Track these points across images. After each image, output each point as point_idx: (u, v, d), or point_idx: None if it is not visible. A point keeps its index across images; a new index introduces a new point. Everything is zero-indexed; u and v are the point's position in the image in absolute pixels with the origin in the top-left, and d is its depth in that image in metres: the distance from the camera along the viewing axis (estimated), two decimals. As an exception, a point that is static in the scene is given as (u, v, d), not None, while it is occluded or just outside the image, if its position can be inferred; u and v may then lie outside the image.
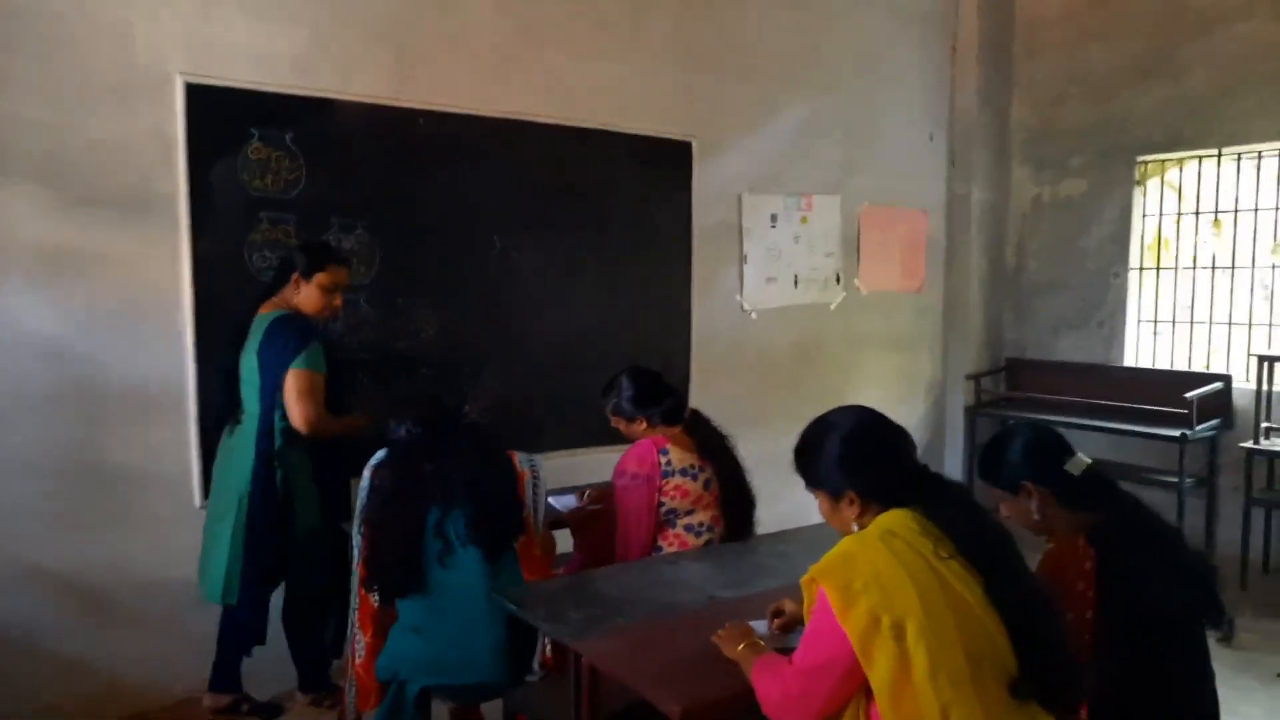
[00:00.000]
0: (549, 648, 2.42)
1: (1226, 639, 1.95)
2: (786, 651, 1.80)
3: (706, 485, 2.77)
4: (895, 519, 1.65)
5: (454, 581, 2.37)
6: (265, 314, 3.01)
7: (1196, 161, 5.07)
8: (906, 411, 5.67)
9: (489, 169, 3.88)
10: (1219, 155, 4.95)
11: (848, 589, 1.55)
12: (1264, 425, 4.53)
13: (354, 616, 2.52)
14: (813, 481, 1.83)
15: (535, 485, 2.52)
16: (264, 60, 3.34)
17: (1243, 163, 4.91)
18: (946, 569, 1.56)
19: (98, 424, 3.15)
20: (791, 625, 2.05)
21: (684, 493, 2.73)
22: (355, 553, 2.50)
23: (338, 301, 3.09)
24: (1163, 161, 5.22)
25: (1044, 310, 5.74)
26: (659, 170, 4.41)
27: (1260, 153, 4.83)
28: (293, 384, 2.88)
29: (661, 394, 2.85)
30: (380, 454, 2.54)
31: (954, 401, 5.78)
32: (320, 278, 3.01)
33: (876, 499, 1.73)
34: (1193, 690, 1.91)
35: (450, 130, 3.76)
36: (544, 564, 2.53)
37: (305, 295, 3.02)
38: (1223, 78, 4.85)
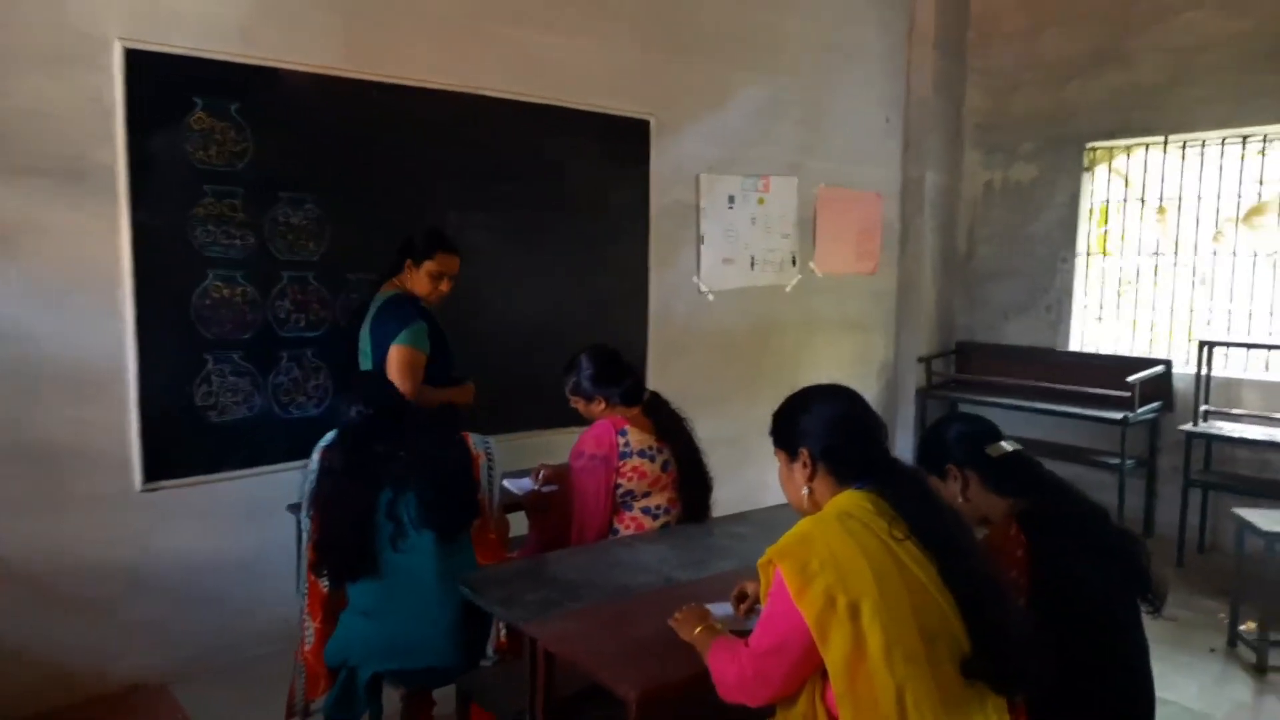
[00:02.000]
0: (503, 632, 2.40)
1: (1155, 612, 2.01)
2: (744, 634, 1.80)
3: (664, 467, 2.76)
4: (851, 500, 1.66)
5: (406, 565, 2.33)
6: (382, 294, 3.20)
7: (1144, 149, 5.17)
8: (862, 393, 5.72)
9: (443, 144, 3.81)
10: (1165, 143, 5.05)
11: (804, 569, 1.55)
12: (1203, 409, 4.65)
13: (303, 602, 2.47)
14: (778, 439, 1.84)
15: (490, 467, 2.48)
16: (208, 26, 3.22)
17: (1188, 151, 5.02)
18: (902, 550, 1.57)
19: (33, 402, 3.03)
20: (753, 609, 2.05)
21: (642, 474, 2.71)
22: (304, 538, 2.45)
23: (444, 287, 3.19)
24: (1110, 149, 5.31)
25: (994, 294, 5.83)
26: (616, 148, 4.37)
27: (1204, 141, 4.93)
28: (394, 359, 3.00)
29: (621, 374, 2.83)
30: (329, 435, 2.48)
31: (906, 383, 5.85)
32: (429, 265, 3.14)
33: (832, 466, 1.73)
34: (1129, 669, 1.96)
35: (403, 103, 3.67)
36: (499, 547, 2.50)
37: (415, 279, 3.17)
38: (1171, 67, 4.95)
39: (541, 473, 3.14)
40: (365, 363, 3.18)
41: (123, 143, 3.08)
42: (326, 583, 2.40)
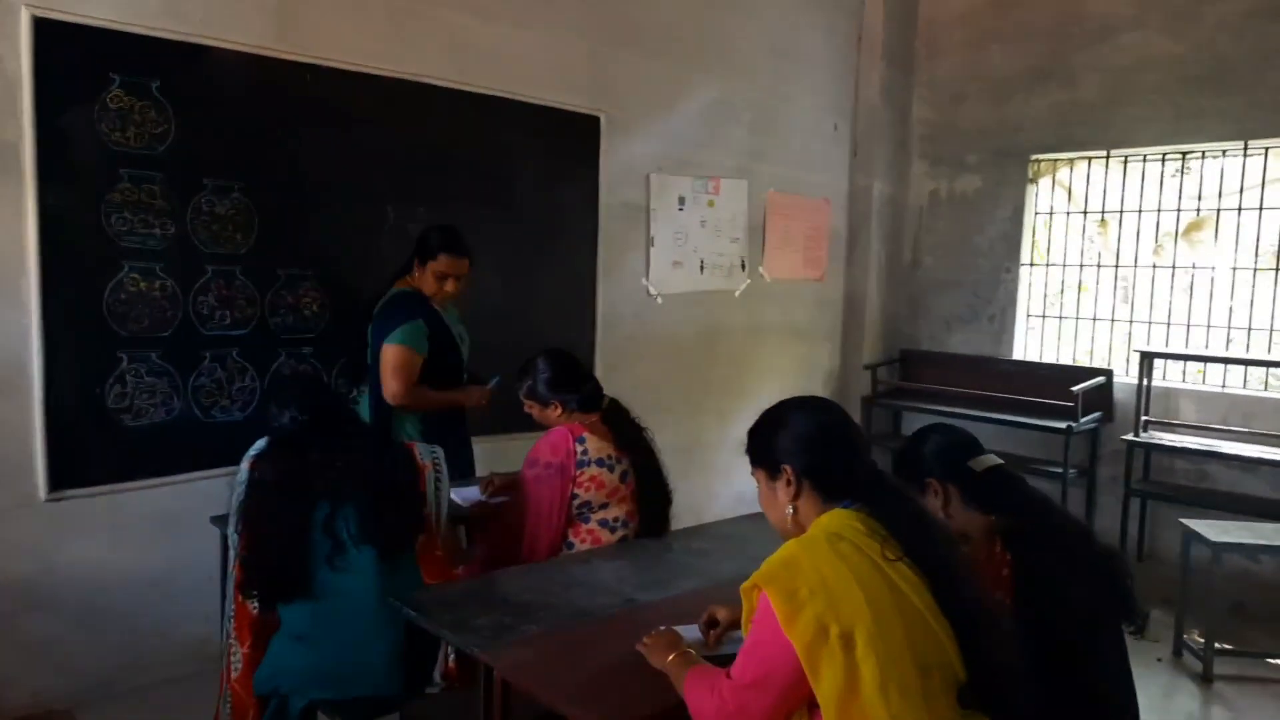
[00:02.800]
0: (451, 657, 2.22)
1: (1139, 632, 1.95)
2: (720, 661, 1.67)
3: (623, 478, 2.61)
4: (840, 520, 1.54)
5: (345, 585, 2.13)
6: (392, 290, 3.13)
7: (1086, 163, 5.23)
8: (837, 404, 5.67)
9: (382, 134, 3.60)
10: (1107, 157, 5.11)
11: (793, 596, 1.42)
12: (1144, 419, 4.71)
13: (229, 625, 2.24)
14: (756, 457, 1.71)
15: (438, 479, 2.30)
16: (127, -4, 2.96)
17: (1129, 166, 5.10)
18: (895, 572, 1.46)
19: (-81, 404, 2.74)
20: (725, 637, 1.92)
21: (599, 484, 2.56)
22: (231, 554, 2.23)
23: (450, 288, 3.08)
24: (1054, 161, 5.36)
25: (938, 304, 5.84)
26: (565, 145, 4.21)
27: (1145, 156, 5.01)
28: (386, 358, 2.95)
29: (580, 379, 2.67)
30: (259, 444, 2.27)
31: (851, 392, 5.82)
32: (434, 265, 3.04)
33: (817, 484, 1.61)
34: (1113, 691, 1.90)
35: (340, 88, 3.45)
36: (447, 566, 2.31)
37: (422, 278, 3.08)
38: (1112, 85, 5.01)
39: (492, 483, 2.96)
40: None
41: (29, 119, 2.81)
42: (256, 604, 2.18)
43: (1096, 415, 4.95)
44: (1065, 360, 5.40)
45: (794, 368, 5.57)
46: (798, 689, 1.44)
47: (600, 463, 2.57)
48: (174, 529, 3.17)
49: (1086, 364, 5.29)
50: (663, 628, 1.90)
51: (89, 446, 3.01)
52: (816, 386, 5.76)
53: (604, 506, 2.60)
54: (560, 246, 4.23)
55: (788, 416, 1.68)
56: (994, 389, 5.31)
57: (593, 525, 2.60)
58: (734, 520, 2.93)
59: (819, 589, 1.42)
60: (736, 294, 5.12)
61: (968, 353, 5.65)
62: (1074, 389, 4.78)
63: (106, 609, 3.08)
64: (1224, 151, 4.72)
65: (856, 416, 5.77)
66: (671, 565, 2.43)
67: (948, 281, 5.78)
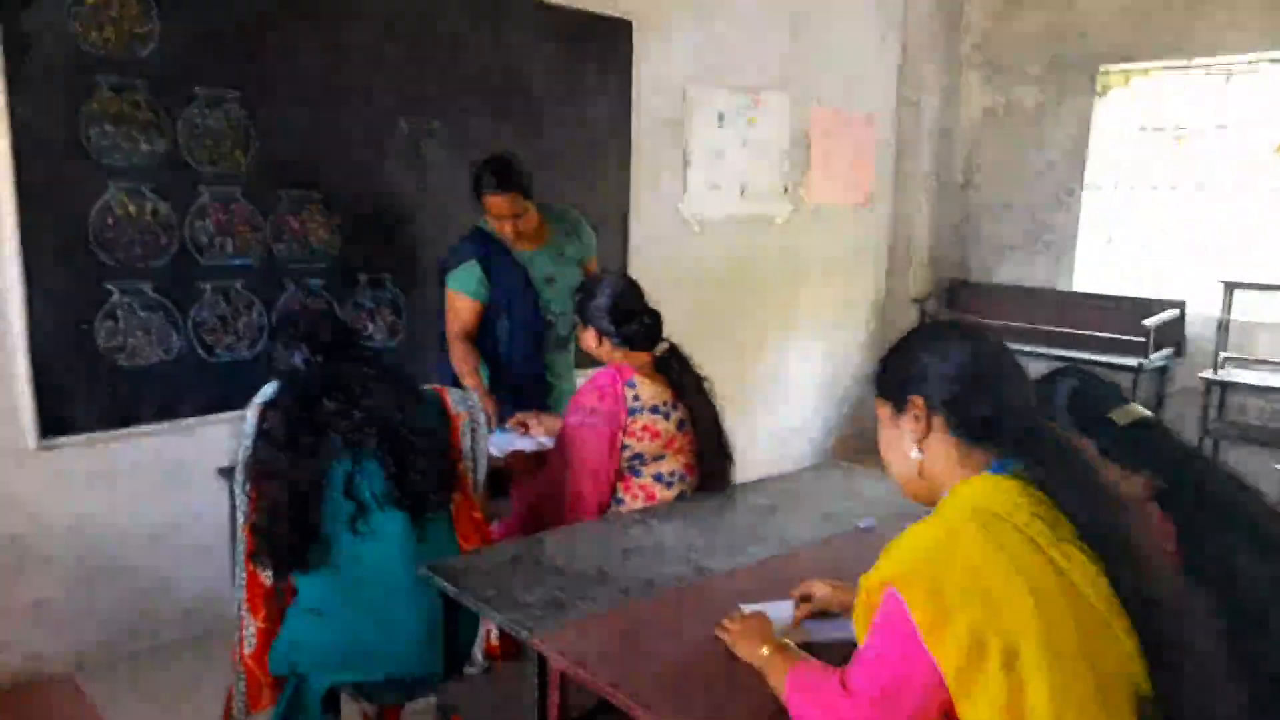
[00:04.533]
0: (494, 633, 1.93)
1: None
2: (820, 650, 1.37)
3: (680, 426, 2.30)
4: (993, 491, 1.20)
5: (369, 552, 1.84)
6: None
7: (1163, 72, 4.77)
8: (849, 336, 5.34)
9: (393, 37, 3.20)
10: (1188, 66, 4.65)
11: (938, 599, 1.10)
12: (1223, 355, 4.35)
13: (241, 596, 1.96)
14: (881, 386, 1.38)
15: (474, 431, 1.99)
16: None
17: (1212, 76, 4.63)
18: (1066, 559, 1.13)
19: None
20: (816, 612, 1.62)
21: (654, 434, 2.25)
22: (240, 517, 1.93)
23: (508, 229, 2.74)
24: (1126, 72, 4.89)
25: (991, 230, 5.43)
26: (595, 52, 3.80)
27: (1232, 66, 4.54)
28: (447, 300, 2.82)
29: (632, 312, 2.33)
30: (267, 389, 1.96)
31: (896, 327, 5.46)
32: (484, 204, 2.73)
33: (954, 422, 1.27)
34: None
35: (346, -16, 3.05)
36: (486, 530, 2.02)
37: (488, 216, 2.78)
38: (1196, -18, 4.52)
39: (528, 424, 2.66)
40: None
41: (-11, 15, 2.44)
42: (269, 574, 1.89)
43: (1167, 351, 4.59)
44: (1130, 292, 5.00)
45: (838, 301, 5.21)
46: (937, 710, 1.13)
47: (655, 410, 2.25)
48: (176, 479, 2.90)
49: (1154, 296, 4.89)
50: (746, 608, 1.60)
51: (80, 390, 2.72)
52: (861, 321, 5.41)
53: (658, 459, 2.29)
54: (590, 167, 3.85)
55: (926, 340, 1.34)
56: (1053, 323, 4.94)
57: (645, 480, 2.29)
58: (795, 474, 2.62)
59: (973, 591, 1.10)
60: (778, 220, 4.73)
61: (1023, 283, 5.26)
62: (1146, 322, 4.41)
63: (105, 566, 2.82)
64: (1323, 58, 4.26)
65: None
66: (737, 527, 2.13)
67: (1002, 205, 5.36)
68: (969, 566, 1.11)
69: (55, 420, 2.69)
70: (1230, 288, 4.33)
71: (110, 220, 2.69)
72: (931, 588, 1.11)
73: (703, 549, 1.97)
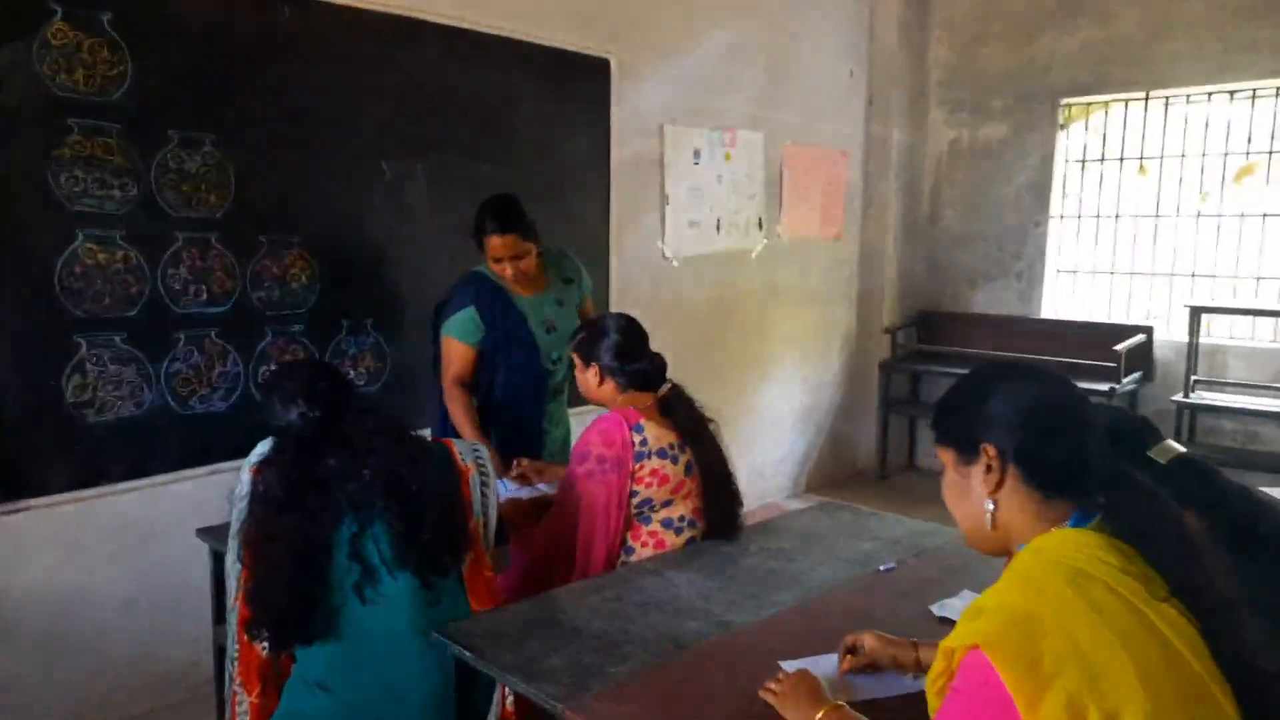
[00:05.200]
0: (509, 699, 1.83)
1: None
2: (865, 708, 1.31)
3: (688, 470, 2.23)
4: (1076, 546, 1.14)
5: (377, 620, 1.73)
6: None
7: (1123, 105, 4.89)
8: (824, 367, 5.34)
9: (375, 78, 3.13)
10: (1146, 98, 4.78)
11: (1035, 666, 1.03)
12: (1194, 379, 4.43)
13: (233, 669, 1.84)
14: (945, 433, 1.29)
15: (484, 484, 1.90)
16: (67, -92, 2.47)
17: (1170, 108, 4.76)
18: (1163, 620, 1.07)
19: None
20: (864, 666, 1.56)
21: (663, 479, 2.18)
22: (233, 584, 1.82)
23: (508, 272, 2.65)
24: (1087, 105, 5.01)
25: (959, 260, 5.50)
26: (573, 91, 3.77)
27: (1188, 96, 4.68)
28: (442, 345, 2.74)
29: (639, 352, 2.27)
30: (262, 447, 1.85)
31: (869, 357, 5.48)
32: (485, 247, 2.65)
33: (1031, 473, 1.19)
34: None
35: (325, 24, 2.99)
36: (498, 589, 1.92)
37: (487, 260, 2.71)
38: (1153, 17, 4.66)
39: (521, 468, 2.58)
40: None
41: (-49, 57, 2.32)
42: (265, 646, 1.78)
43: (1136, 375, 4.67)
44: (1097, 319, 5.08)
45: (812, 333, 5.22)
46: None
47: (662, 454, 2.19)
48: (150, 540, 2.75)
49: (1121, 322, 4.98)
50: (788, 665, 1.54)
51: (46, 448, 2.57)
52: (835, 352, 5.41)
53: (667, 504, 2.23)
54: (570, 205, 3.80)
55: (995, 383, 1.26)
56: (1022, 349, 4.99)
57: (655, 527, 2.22)
58: (803, 512, 2.58)
59: (1070, 657, 1.03)
60: (753, 255, 4.73)
61: (994, 312, 5.33)
62: (1117, 348, 4.48)
63: (73, 637, 2.65)
64: (1277, 90, 4.40)
65: (874, 382, 5.45)
66: (755, 574, 2.06)
67: (969, 236, 5.43)
68: (1064, 630, 1.04)
69: (19, 482, 2.54)
70: (1196, 312, 4.41)
71: (78, 269, 2.56)
72: (1029, 657, 1.03)
73: (723, 601, 1.90)
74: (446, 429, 2.72)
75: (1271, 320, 4.52)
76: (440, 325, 2.73)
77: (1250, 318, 4.58)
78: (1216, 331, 4.67)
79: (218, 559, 2.22)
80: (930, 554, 2.19)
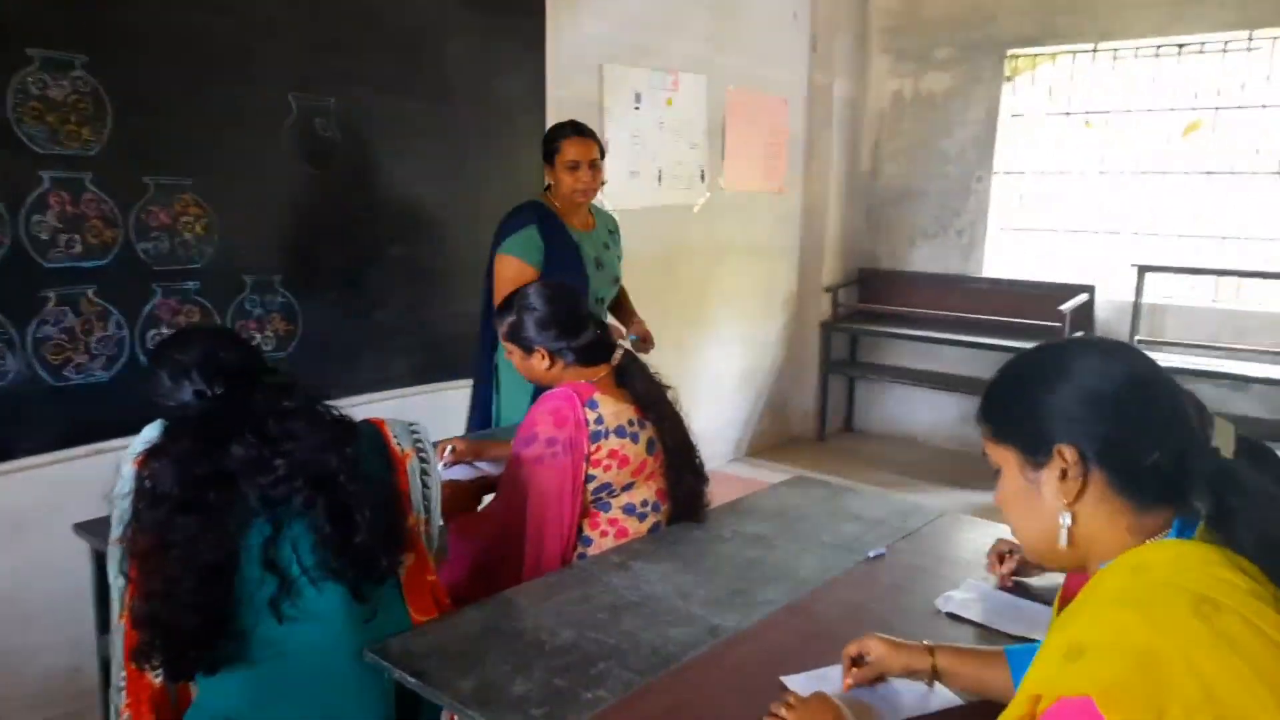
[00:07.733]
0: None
1: None
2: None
3: (650, 447, 1.98)
4: (1190, 563, 0.92)
5: (300, 640, 1.43)
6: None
7: (1070, 57, 4.77)
8: (765, 327, 5.15)
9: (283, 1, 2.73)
10: (1094, 50, 4.66)
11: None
12: (1137, 339, 4.39)
13: (119, 700, 1.52)
14: (1003, 426, 1.04)
15: (424, 471, 1.60)
16: None
17: (1118, 60, 4.65)
18: None
19: None
20: (871, 677, 1.35)
21: (622, 460, 1.92)
22: (118, 598, 1.49)
23: (584, 178, 2.69)
24: (1034, 56, 4.87)
25: (900, 217, 5.35)
26: (507, 24, 3.41)
27: (1137, 49, 4.58)
28: (496, 270, 2.67)
29: (580, 322, 2.00)
30: (149, 432, 1.51)
31: (809, 316, 5.31)
32: (560, 158, 2.70)
33: (1120, 478, 0.97)
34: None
35: (219, -70, 2.56)
36: (444, 595, 1.64)
37: (556, 184, 2.74)
38: (1102, -33, 4.52)
39: (449, 450, 2.28)
40: None
41: None
42: (159, 676, 1.46)
43: (1078, 336, 4.61)
44: (1040, 277, 5.01)
45: (755, 291, 5.01)
46: None
47: (620, 432, 1.93)
48: (20, 533, 2.37)
49: (1064, 281, 4.91)
50: (790, 682, 1.32)
51: (-115, 429, 2.16)
52: (776, 310, 5.22)
53: (628, 488, 1.98)
54: (502, 149, 3.46)
55: (1067, 360, 1.01)
56: (964, 309, 4.91)
57: (615, 514, 1.97)
58: (775, 489, 2.36)
59: (1202, 705, 0.81)
60: (695, 209, 4.47)
61: (935, 270, 5.20)
62: (1061, 307, 4.40)
63: (-70, 648, 2.27)
64: (1225, 44, 4.32)
65: (815, 342, 5.29)
66: (735, 564, 1.84)
67: (911, 192, 5.28)
68: (1197, 676, 0.82)
69: None
70: (1143, 271, 4.36)
71: (-82, 215, 2.14)
72: (1152, 705, 0.81)
73: (705, 599, 1.66)
74: (492, 381, 2.69)
75: (1211, 279, 4.50)
76: (496, 250, 2.66)
77: (1188, 276, 4.56)
78: (1155, 290, 4.64)
79: (100, 561, 1.87)
80: (918, 537, 2.01)
